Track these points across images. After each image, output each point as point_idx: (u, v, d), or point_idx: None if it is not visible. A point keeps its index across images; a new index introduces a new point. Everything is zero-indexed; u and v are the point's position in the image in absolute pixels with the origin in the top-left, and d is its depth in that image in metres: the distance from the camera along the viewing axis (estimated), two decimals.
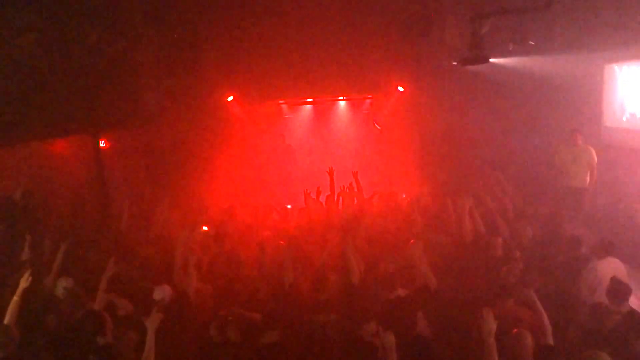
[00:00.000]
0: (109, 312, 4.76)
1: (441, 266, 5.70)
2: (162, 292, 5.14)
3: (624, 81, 9.55)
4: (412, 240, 5.88)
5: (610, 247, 5.74)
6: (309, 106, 13.11)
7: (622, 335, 4.39)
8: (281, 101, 12.63)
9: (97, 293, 5.03)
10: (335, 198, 8.28)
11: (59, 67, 7.41)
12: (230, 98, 11.52)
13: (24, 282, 4.80)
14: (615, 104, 9.84)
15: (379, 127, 12.07)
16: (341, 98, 12.74)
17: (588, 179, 8.82)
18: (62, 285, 5.23)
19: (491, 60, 9.26)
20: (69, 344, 4.48)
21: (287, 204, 9.40)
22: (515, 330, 4.09)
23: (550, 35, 9.40)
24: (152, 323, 4.15)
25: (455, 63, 10.10)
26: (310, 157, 12.55)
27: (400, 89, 11.52)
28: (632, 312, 4.79)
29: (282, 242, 6.59)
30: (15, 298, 4.73)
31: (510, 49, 9.36)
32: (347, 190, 8.20)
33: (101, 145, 9.59)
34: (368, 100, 12.67)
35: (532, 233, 6.70)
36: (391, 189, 9.31)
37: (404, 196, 9.17)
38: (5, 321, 4.62)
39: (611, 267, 5.47)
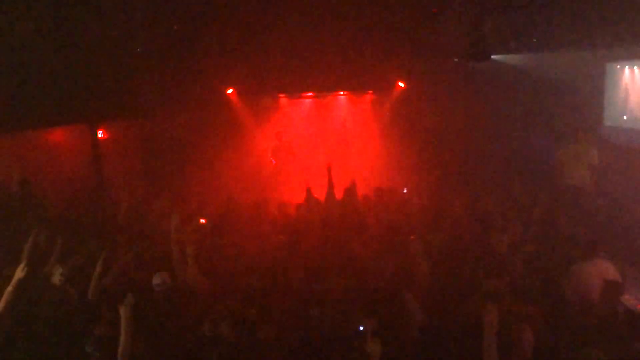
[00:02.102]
0: (105, 303, 4.74)
1: (439, 263, 5.68)
2: (160, 278, 5.14)
3: (625, 80, 9.52)
4: (412, 237, 5.85)
5: (600, 248, 5.71)
6: (308, 100, 13.06)
7: (618, 334, 4.38)
8: (281, 95, 12.57)
9: (91, 283, 5.01)
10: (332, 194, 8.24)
11: (57, 56, 7.37)
12: (230, 91, 11.47)
13: (19, 273, 4.77)
14: (617, 103, 9.81)
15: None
16: (341, 93, 12.69)
17: (588, 178, 8.79)
18: (59, 272, 5.21)
19: (493, 57, 9.22)
20: (65, 334, 4.46)
21: (286, 199, 9.36)
22: (515, 325, 4.09)
23: (552, 33, 9.35)
24: (125, 311, 4.10)
25: (457, 59, 10.06)
26: (309, 152, 12.51)
27: (401, 85, 11.48)
28: (627, 311, 4.78)
29: (281, 237, 6.56)
30: (10, 288, 4.69)
31: (512, 46, 9.31)
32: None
33: (99, 135, 9.55)
34: (368, 96, 12.63)
35: (530, 231, 6.68)
36: (391, 185, 9.27)
37: (405, 191, 9.14)
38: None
39: (600, 268, 5.44)
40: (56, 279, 5.23)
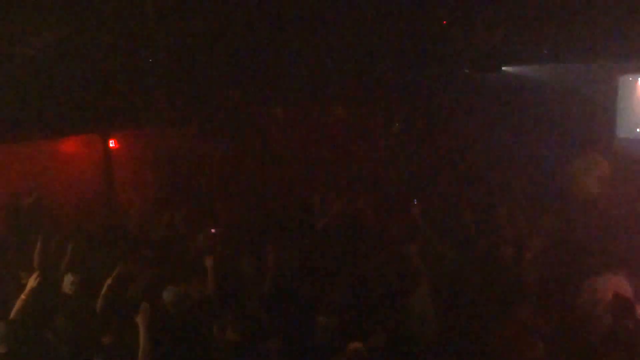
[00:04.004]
0: (114, 312, 4.76)
1: (449, 274, 5.65)
2: (170, 293, 5.15)
3: (638, 92, 9.44)
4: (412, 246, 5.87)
5: (613, 262, 5.63)
6: (314, 110, 13.07)
7: (629, 349, 4.33)
8: (290, 105, 12.61)
9: (101, 292, 5.04)
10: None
11: (70, 66, 7.47)
12: (240, 100, 11.52)
13: (32, 282, 4.84)
14: (629, 115, 9.73)
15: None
16: (350, 103, 12.70)
17: (600, 190, 8.70)
18: (70, 281, 5.23)
19: (503, 68, 9.20)
20: (74, 343, 4.49)
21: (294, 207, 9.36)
22: (527, 337, 4.06)
23: (564, 45, 9.32)
24: (142, 319, 4.13)
25: (467, 70, 10.05)
26: (316, 160, 12.50)
27: (410, 95, 11.47)
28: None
29: (288, 245, 6.55)
30: (23, 297, 4.77)
31: (524, 57, 9.28)
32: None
33: (110, 145, 9.63)
34: (377, 106, 12.63)
35: (541, 244, 6.61)
36: (399, 194, 9.23)
37: (415, 201, 9.08)
38: (11, 317, 4.65)
39: (612, 283, 5.36)
40: (67, 287, 5.26)
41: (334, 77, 10.64)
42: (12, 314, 4.68)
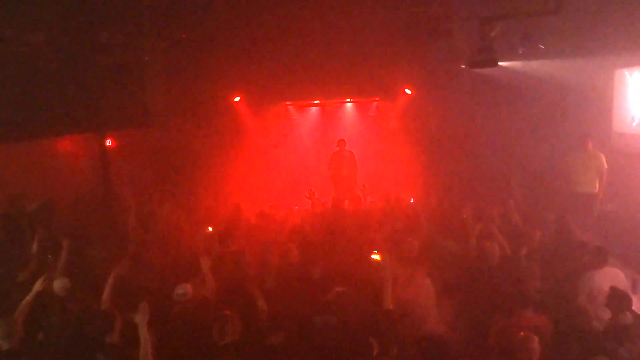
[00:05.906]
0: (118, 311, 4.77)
1: (449, 272, 5.66)
2: (183, 289, 5.15)
3: (634, 86, 9.45)
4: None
5: (610, 255, 5.66)
6: (315, 108, 13.09)
7: (627, 342, 4.35)
8: (288, 103, 12.61)
9: (104, 292, 5.04)
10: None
11: (66, 66, 7.44)
12: (237, 99, 11.51)
13: (38, 285, 4.86)
14: (626, 109, 9.73)
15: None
16: (348, 100, 12.71)
17: (597, 184, 8.73)
18: (59, 286, 5.21)
19: (500, 63, 9.18)
20: (77, 342, 4.50)
21: (294, 205, 9.39)
22: (522, 333, 4.08)
23: (560, 39, 9.32)
24: (141, 318, 4.14)
25: (463, 66, 10.04)
26: (315, 160, 12.52)
27: (408, 91, 11.47)
28: (637, 318, 4.74)
29: (290, 244, 6.56)
30: (28, 299, 4.78)
31: (520, 52, 9.27)
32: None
33: (107, 144, 9.59)
34: (375, 103, 12.64)
35: (539, 238, 6.63)
36: (398, 193, 9.25)
37: (412, 200, 9.10)
38: (15, 316, 4.66)
39: (610, 277, 5.39)
40: (59, 291, 5.23)
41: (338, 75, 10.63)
42: (16, 314, 4.69)
